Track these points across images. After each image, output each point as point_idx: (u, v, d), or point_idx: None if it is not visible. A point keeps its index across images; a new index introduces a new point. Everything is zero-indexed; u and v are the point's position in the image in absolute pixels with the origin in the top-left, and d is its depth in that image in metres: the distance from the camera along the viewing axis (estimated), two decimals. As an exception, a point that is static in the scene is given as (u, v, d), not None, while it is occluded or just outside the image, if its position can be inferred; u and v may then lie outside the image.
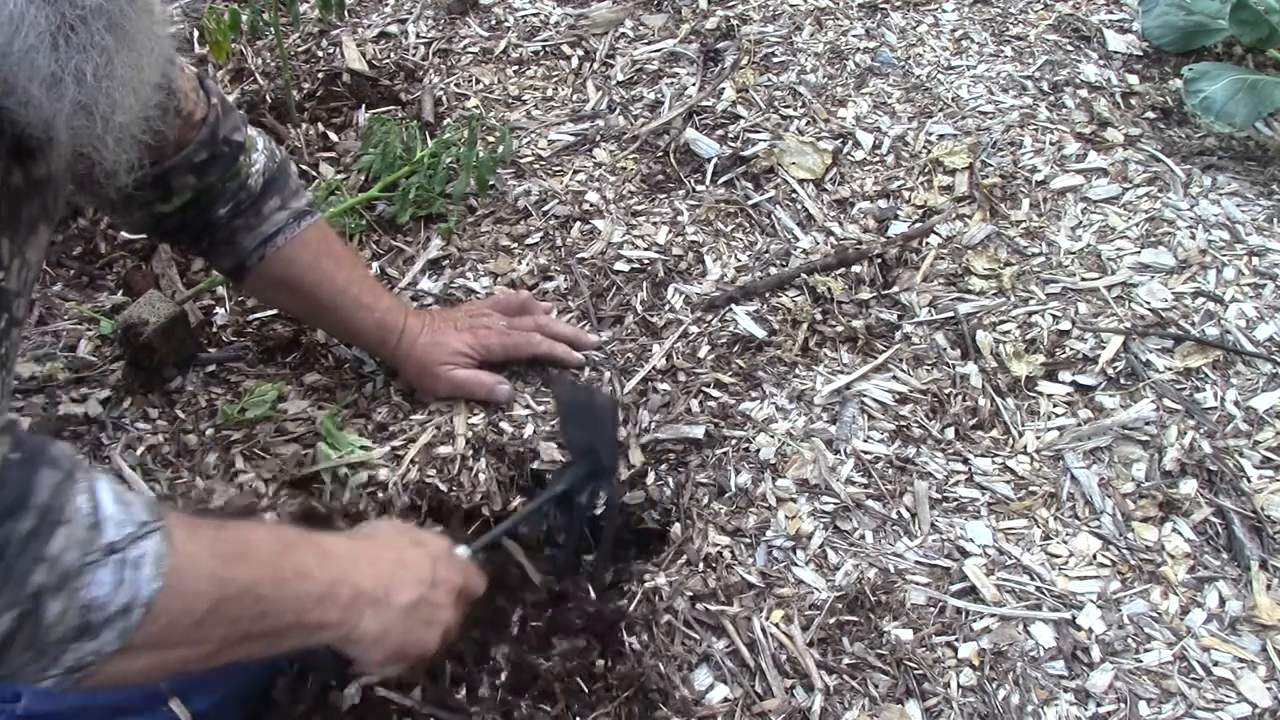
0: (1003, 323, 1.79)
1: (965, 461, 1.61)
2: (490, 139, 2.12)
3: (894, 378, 1.72)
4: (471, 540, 1.35)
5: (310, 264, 1.58)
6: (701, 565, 1.50)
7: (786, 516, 1.54)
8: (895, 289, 1.86)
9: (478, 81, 2.31)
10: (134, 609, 0.91)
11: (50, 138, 0.93)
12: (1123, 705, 1.35)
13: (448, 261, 1.93)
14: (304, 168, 2.11)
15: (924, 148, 2.10)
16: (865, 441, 1.63)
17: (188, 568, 0.96)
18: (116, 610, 0.90)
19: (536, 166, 2.10)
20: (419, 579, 1.19)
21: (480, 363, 1.67)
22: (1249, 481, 1.58)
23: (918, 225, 1.95)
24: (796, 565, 1.49)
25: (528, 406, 1.68)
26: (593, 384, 1.64)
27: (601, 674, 1.38)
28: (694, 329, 1.80)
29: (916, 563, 1.49)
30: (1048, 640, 1.41)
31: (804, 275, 1.86)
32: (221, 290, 1.91)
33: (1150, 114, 2.21)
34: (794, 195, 2.02)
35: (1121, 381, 1.71)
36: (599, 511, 1.49)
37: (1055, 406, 1.68)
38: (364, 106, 2.24)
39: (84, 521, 0.90)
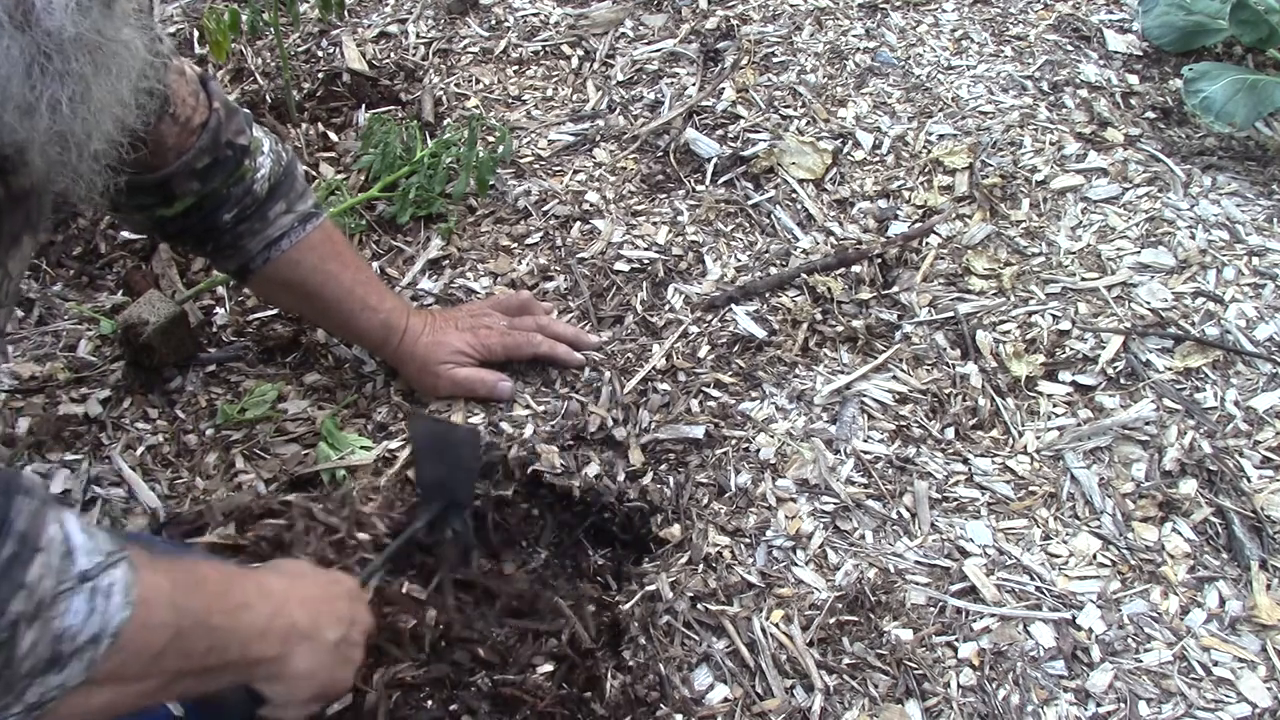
0: (1003, 323, 1.79)
1: (965, 461, 1.61)
2: (490, 139, 2.12)
3: (894, 378, 1.72)
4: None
5: (315, 266, 1.57)
6: (701, 565, 1.50)
7: (786, 516, 1.54)
8: (895, 289, 1.86)
9: (478, 81, 2.31)
10: (103, 639, 0.90)
11: (25, 162, 0.92)
12: (1123, 705, 1.35)
13: (448, 261, 1.93)
14: (304, 168, 2.11)
15: (924, 148, 2.10)
16: (865, 441, 1.63)
17: (153, 596, 0.95)
18: (86, 640, 0.89)
19: (536, 166, 2.10)
20: (340, 616, 1.18)
21: (481, 362, 1.67)
22: (1249, 481, 1.58)
23: (918, 225, 1.95)
24: (796, 565, 1.49)
25: (528, 406, 1.68)
26: (450, 421, 1.61)
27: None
28: (694, 329, 1.80)
29: (916, 563, 1.49)
30: (1048, 640, 1.41)
31: (804, 275, 1.86)
32: (221, 290, 1.91)
33: (1150, 114, 2.21)
34: (794, 195, 2.02)
35: (1121, 381, 1.71)
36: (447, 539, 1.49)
37: (1055, 406, 1.68)
38: (364, 106, 2.24)
39: (59, 549, 0.89)
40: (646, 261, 1.90)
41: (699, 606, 1.45)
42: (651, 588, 1.48)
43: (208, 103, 1.42)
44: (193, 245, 1.59)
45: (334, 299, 1.60)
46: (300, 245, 1.55)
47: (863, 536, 1.52)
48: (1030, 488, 1.58)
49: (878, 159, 2.09)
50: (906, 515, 1.55)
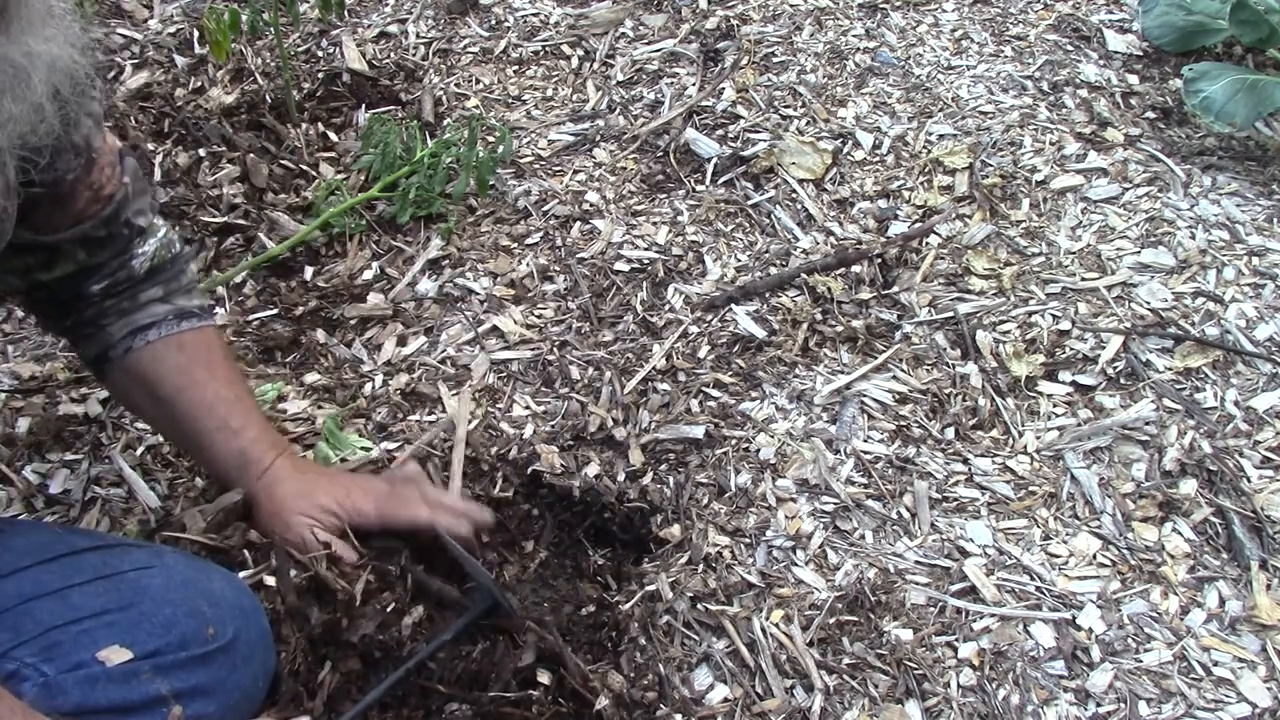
0: (1003, 323, 1.79)
1: (965, 461, 1.61)
2: (490, 139, 2.12)
3: (894, 378, 1.72)
4: (347, 708, 1.26)
5: (180, 368, 1.36)
6: (701, 565, 1.50)
7: (786, 516, 1.54)
8: (895, 289, 1.86)
9: (478, 81, 2.31)
10: None
11: None
12: (1123, 705, 1.35)
13: (448, 261, 1.93)
14: (304, 167, 2.12)
15: (924, 148, 2.10)
16: (865, 441, 1.63)
17: None
18: None
19: (536, 166, 2.10)
20: None
21: (348, 525, 1.42)
22: (1249, 481, 1.58)
23: (918, 225, 1.95)
24: (796, 565, 1.49)
25: (527, 407, 1.68)
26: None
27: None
28: (694, 329, 1.80)
29: (916, 563, 1.49)
30: (1048, 640, 1.41)
31: (804, 275, 1.86)
32: (221, 290, 1.91)
33: (1150, 114, 2.21)
34: (794, 195, 2.02)
35: (1121, 381, 1.71)
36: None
37: (1055, 406, 1.68)
38: (364, 106, 2.24)
39: None
40: (646, 261, 1.90)
41: (699, 606, 1.45)
42: (651, 588, 1.47)
43: (120, 176, 1.31)
44: (55, 317, 1.40)
45: (190, 410, 1.37)
46: (168, 340, 1.36)
47: (863, 536, 1.52)
48: (1030, 488, 1.58)
49: (878, 159, 2.09)
50: (906, 515, 1.55)
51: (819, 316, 1.81)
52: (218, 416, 1.38)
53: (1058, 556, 1.50)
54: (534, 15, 2.45)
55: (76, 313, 1.36)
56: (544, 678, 1.33)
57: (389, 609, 1.35)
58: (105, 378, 1.42)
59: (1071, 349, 1.75)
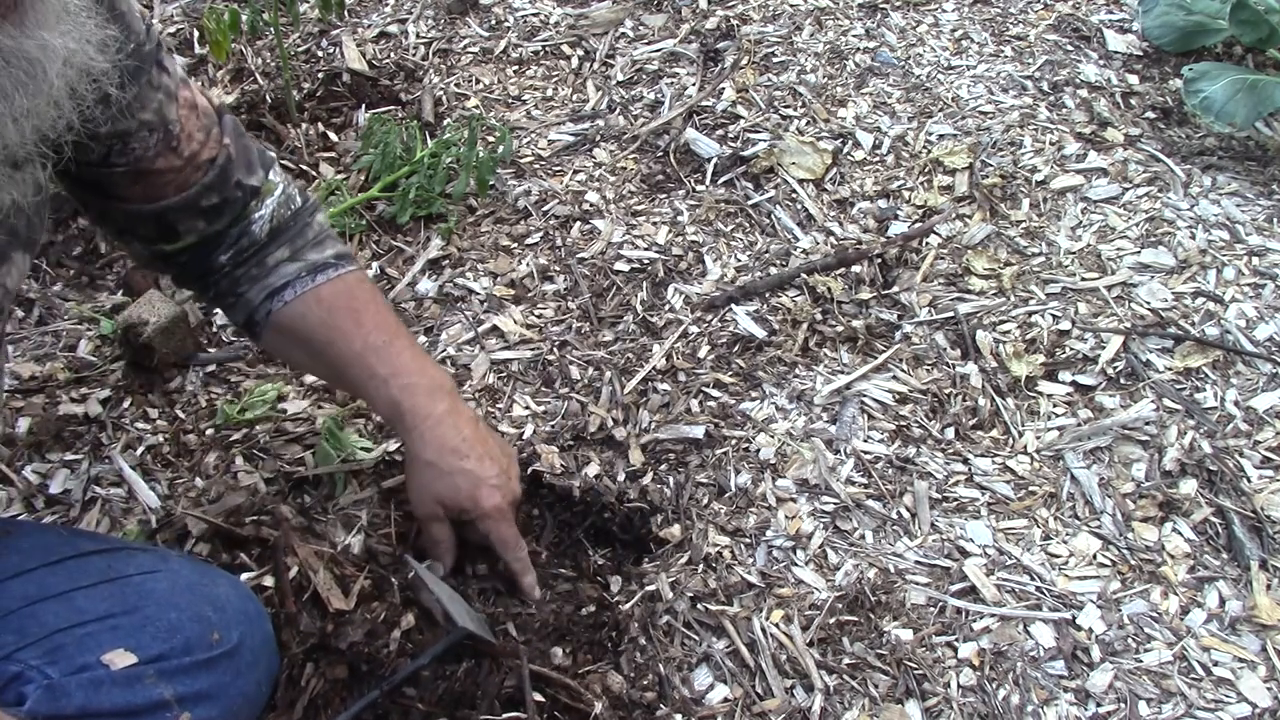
0: (1003, 323, 1.79)
1: (965, 461, 1.62)
2: (490, 139, 2.12)
3: (894, 378, 1.72)
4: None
5: (323, 321, 1.38)
6: (701, 565, 1.50)
7: (786, 516, 1.54)
8: (895, 289, 1.86)
9: (478, 81, 2.31)
10: None
11: None
12: (1123, 705, 1.35)
13: (448, 261, 1.93)
14: (304, 168, 2.12)
15: (924, 148, 2.10)
16: (865, 441, 1.63)
17: None
18: None
19: (536, 166, 2.10)
20: None
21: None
22: (1249, 481, 1.58)
23: (918, 225, 1.95)
24: (796, 565, 1.49)
25: (527, 407, 1.68)
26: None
27: None
28: (694, 329, 1.80)
29: (916, 563, 1.49)
30: (1048, 640, 1.41)
31: (804, 275, 1.86)
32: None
33: (1150, 114, 2.21)
34: (794, 195, 2.02)
35: (1121, 381, 1.71)
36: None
37: (1055, 406, 1.68)
38: (364, 106, 2.24)
39: None
40: (646, 261, 1.90)
41: (699, 606, 1.45)
42: (651, 588, 1.48)
43: (219, 138, 1.32)
44: (198, 289, 1.46)
45: (340, 364, 1.39)
46: (306, 297, 1.38)
47: (863, 536, 1.52)
48: (1030, 488, 1.58)
49: (878, 159, 2.09)
50: (906, 515, 1.55)
51: (819, 316, 1.81)
52: (367, 366, 1.38)
53: (1058, 556, 1.51)
54: (534, 15, 2.45)
55: (214, 285, 1.40)
56: (535, 695, 1.32)
57: (379, 618, 1.34)
58: (260, 342, 1.47)
59: (1071, 349, 1.75)
